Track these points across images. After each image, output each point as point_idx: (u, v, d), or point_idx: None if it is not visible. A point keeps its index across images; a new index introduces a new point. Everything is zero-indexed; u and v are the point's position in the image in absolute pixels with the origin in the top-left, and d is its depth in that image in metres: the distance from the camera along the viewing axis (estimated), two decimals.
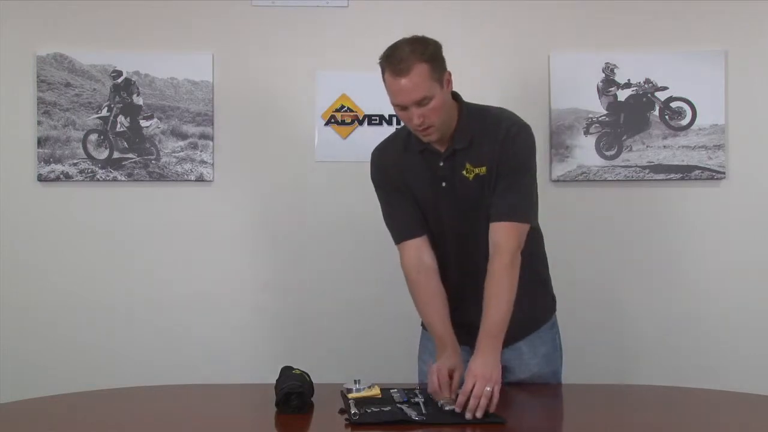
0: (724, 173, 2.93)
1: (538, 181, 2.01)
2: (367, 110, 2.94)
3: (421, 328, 2.17)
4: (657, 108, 2.94)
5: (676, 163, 2.94)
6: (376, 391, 1.88)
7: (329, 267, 2.96)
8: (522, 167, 1.94)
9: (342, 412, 1.79)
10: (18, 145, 2.90)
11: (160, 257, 2.95)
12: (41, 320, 2.92)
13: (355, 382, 1.90)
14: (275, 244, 2.97)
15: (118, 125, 2.92)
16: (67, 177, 2.90)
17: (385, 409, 1.77)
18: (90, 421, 1.82)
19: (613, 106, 2.95)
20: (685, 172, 2.94)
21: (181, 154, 2.92)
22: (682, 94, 2.93)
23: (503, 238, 1.89)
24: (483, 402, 1.73)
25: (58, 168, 2.90)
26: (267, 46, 2.95)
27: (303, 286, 2.96)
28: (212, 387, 2.18)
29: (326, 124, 2.95)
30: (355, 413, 1.73)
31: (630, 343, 2.96)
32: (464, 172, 1.94)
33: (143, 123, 2.92)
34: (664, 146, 2.94)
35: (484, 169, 1.92)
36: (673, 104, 2.94)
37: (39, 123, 2.89)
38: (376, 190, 2.08)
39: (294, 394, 1.80)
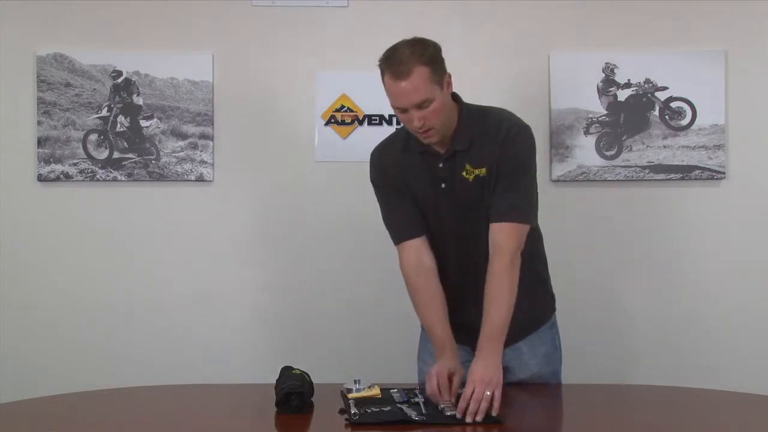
0: (724, 173, 2.93)
1: (538, 181, 2.01)
2: (367, 110, 2.94)
3: (420, 328, 2.16)
4: (657, 108, 2.94)
5: (676, 163, 2.94)
6: (376, 391, 1.88)
7: (329, 267, 2.96)
8: (522, 168, 1.94)
9: (342, 412, 1.79)
10: (18, 145, 2.90)
11: (160, 257, 2.95)
12: (41, 320, 2.92)
13: (355, 382, 1.90)
14: (275, 244, 2.97)
15: (118, 125, 2.92)
16: (67, 177, 2.90)
17: (385, 409, 1.77)
18: (90, 421, 1.82)
19: (613, 106, 2.95)
20: (685, 172, 2.94)
21: (181, 154, 2.92)
22: (682, 94, 2.94)
23: (503, 238, 1.89)
24: (483, 406, 1.73)
25: (58, 168, 2.90)
26: (267, 46, 2.95)
27: (303, 286, 2.96)
28: (212, 387, 2.18)
29: (326, 124, 2.95)
30: (355, 413, 1.73)
31: (630, 343, 2.96)
32: (464, 173, 1.94)
33: (143, 123, 2.92)
34: (664, 146, 2.94)
35: (484, 170, 1.92)
36: (673, 104, 2.94)
37: (39, 123, 2.89)
38: (375, 191, 2.07)
39: (294, 394, 1.80)
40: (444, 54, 1.89)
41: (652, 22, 2.95)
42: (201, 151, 2.93)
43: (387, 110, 2.82)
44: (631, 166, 2.94)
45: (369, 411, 1.75)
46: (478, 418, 1.72)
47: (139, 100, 2.92)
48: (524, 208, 1.95)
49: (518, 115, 1.99)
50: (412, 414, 1.74)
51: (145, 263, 2.94)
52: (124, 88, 2.92)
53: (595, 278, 2.96)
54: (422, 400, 1.84)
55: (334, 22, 2.95)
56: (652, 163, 2.94)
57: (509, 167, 1.92)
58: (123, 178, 2.92)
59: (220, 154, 2.94)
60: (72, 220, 2.93)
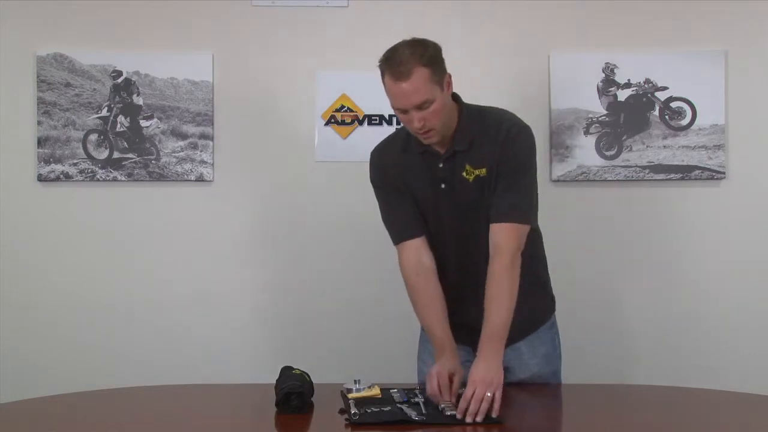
0: (724, 173, 2.93)
1: (538, 181, 2.01)
2: (367, 110, 2.94)
3: (420, 328, 2.16)
4: (657, 108, 2.94)
5: (676, 163, 2.94)
6: (376, 391, 1.88)
7: (329, 267, 2.96)
8: (522, 168, 1.94)
9: (342, 412, 1.79)
10: (18, 145, 2.90)
11: (160, 257, 2.95)
12: (41, 320, 2.92)
13: (355, 382, 1.90)
14: (275, 244, 2.97)
15: (118, 125, 2.92)
16: (67, 177, 2.90)
17: (385, 409, 1.77)
18: (90, 421, 1.82)
19: (613, 106, 2.95)
20: (685, 172, 2.94)
21: (181, 154, 2.92)
22: (682, 94, 2.94)
23: (503, 238, 1.89)
24: (483, 406, 1.73)
25: (58, 168, 2.90)
26: (267, 46, 2.95)
27: (303, 286, 2.96)
28: (212, 387, 2.18)
29: (326, 124, 2.95)
30: (355, 413, 1.73)
31: (630, 343, 2.96)
32: (464, 174, 1.94)
33: (143, 123, 2.92)
34: (664, 146, 2.94)
35: (484, 170, 1.92)
36: (673, 104, 2.94)
37: (39, 123, 2.89)
38: (375, 191, 2.07)
39: (294, 394, 1.80)
40: (444, 54, 1.89)
41: (652, 22, 2.95)
42: (201, 151, 2.93)
43: (387, 110, 2.82)
44: (631, 166, 2.94)
45: (369, 411, 1.75)
46: (478, 419, 1.72)
47: (139, 100, 2.92)
48: (524, 209, 1.95)
49: (518, 115, 1.99)
50: (412, 414, 1.74)
51: (145, 263, 2.94)
52: (124, 88, 2.92)
53: (595, 278, 2.96)
54: (422, 400, 1.84)
55: (334, 22, 2.95)
56: (652, 163, 2.94)
57: (509, 167, 1.92)
58: (123, 178, 2.92)
59: (220, 154, 2.94)
60: (72, 220, 2.93)
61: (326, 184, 2.95)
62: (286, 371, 1.93)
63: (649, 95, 2.94)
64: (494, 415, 1.73)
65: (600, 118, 2.95)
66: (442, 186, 1.96)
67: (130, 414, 1.88)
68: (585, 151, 2.94)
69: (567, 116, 2.94)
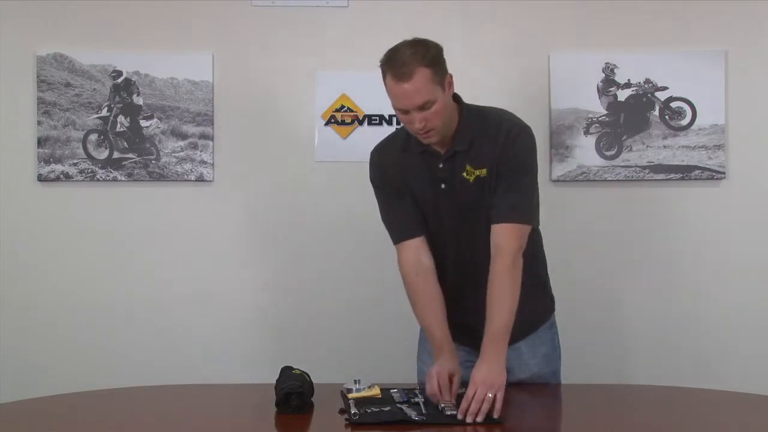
0: (724, 173, 2.93)
1: (538, 181, 2.01)
2: (367, 110, 2.94)
3: (420, 328, 2.16)
4: (657, 108, 2.94)
5: (676, 163, 2.94)
6: (376, 391, 1.88)
7: (329, 267, 2.96)
8: (522, 168, 1.94)
9: (342, 412, 1.79)
10: (18, 145, 2.90)
11: (160, 257, 2.95)
12: (41, 320, 2.92)
13: (355, 382, 1.90)
14: (275, 244, 2.97)
15: (118, 125, 2.92)
16: (67, 177, 2.90)
17: (385, 409, 1.77)
18: (90, 421, 1.82)
19: (613, 106, 2.95)
20: (685, 172, 2.94)
21: (181, 154, 2.92)
22: (682, 94, 2.94)
23: (504, 239, 1.89)
24: (484, 407, 1.73)
25: (58, 168, 2.90)
26: (267, 46, 2.95)
27: (303, 286, 2.96)
28: (212, 387, 2.18)
29: (326, 124, 2.95)
30: (355, 413, 1.73)
31: (630, 343, 2.96)
32: (464, 174, 1.93)
33: (143, 123, 2.92)
34: (664, 146, 2.94)
35: (484, 170, 1.92)
36: (673, 104, 2.94)
37: (39, 123, 2.89)
38: (375, 191, 2.07)
39: (294, 394, 1.80)
40: (444, 54, 1.89)
41: (652, 22, 2.95)
42: (201, 151, 2.93)
43: (387, 110, 2.82)
44: (631, 166, 2.94)
45: (369, 411, 1.75)
46: (479, 419, 1.72)
47: (139, 100, 2.92)
48: (525, 209, 1.94)
49: (518, 115, 1.99)
50: (412, 414, 1.74)
51: (145, 263, 2.94)
52: (124, 88, 2.92)
53: (595, 278, 2.96)
54: (422, 400, 1.84)
55: (334, 22, 2.95)
56: (652, 163, 2.94)
57: (509, 168, 1.92)
58: (123, 178, 2.92)
59: (220, 154, 2.94)
60: (72, 220, 2.93)
61: (326, 184, 2.95)
62: (286, 371, 1.93)
63: (649, 95, 2.94)
64: (495, 415, 1.73)
65: (600, 118, 2.95)
66: (442, 186, 1.96)
67: (130, 414, 1.88)
68: (585, 151, 2.94)
69: (567, 116, 2.94)
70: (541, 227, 2.08)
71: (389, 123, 2.91)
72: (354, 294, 2.94)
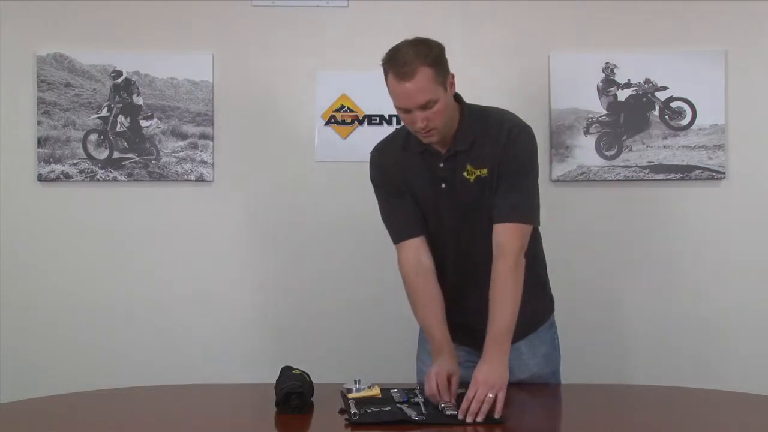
0: (724, 173, 2.93)
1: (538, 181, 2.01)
2: (367, 110, 2.94)
3: (419, 328, 2.16)
4: (657, 108, 2.94)
5: (676, 163, 2.94)
6: (376, 391, 1.88)
7: (329, 267, 2.96)
8: (523, 168, 1.94)
9: (342, 412, 1.79)
10: (18, 145, 2.90)
11: (160, 257, 2.95)
12: (41, 320, 2.92)
13: (355, 382, 1.90)
14: (275, 244, 2.97)
15: (118, 125, 2.92)
16: (67, 177, 2.90)
17: (385, 409, 1.77)
18: (90, 421, 1.82)
19: (613, 106, 2.95)
20: (685, 172, 2.94)
21: (181, 154, 2.92)
22: (682, 94, 2.94)
23: (506, 239, 1.89)
24: (485, 407, 1.73)
25: (58, 168, 2.90)
26: (267, 46, 2.95)
27: (303, 286, 2.96)
28: (212, 387, 2.18)
29: (326, 124, 2.95)
30: (355, 413, 1.73)
31: (630, 343, 2.96)
32: (465, 174, 1.93)
33: (143, 123, 2.92)
34: (664, 146, 2.94)
35: (485, 170, 1.92)
36: (673, 104, 2.94)
37: (39, 123, 2.89)
38: (375, 190, 2.07)
39: (294, 394, 1.80)
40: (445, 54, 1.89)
41: (652, 22, 2.95)
42: (201, 151, 2.93)
43: (387, 110, 2.82)
44: (631, 166, 2.94)
45: (369, 411, 1.75)
46: (479, 419, 1.72)
47: (139, 100, 2.92)
48: (526, 209, 1.94)
49: (518, 115, 1.99)
50: (412, 414, 1.74)
51: (145, 263, 2.94)
52: (124, 88, 2.92)
53: (595, 278, 2.96)
54: (422, 400, 1.84)
55: (334, 22, 2.95)
56: (652, 163, 2.94)
57: (510, 168, 1.92)
58: (123, 178, 2.92)
59: (220, 154, 2.94)
60: (72, 220, 2.93)
61: (326, 184, 2.95)
62: (286, 371, 1.93)
63: (649, 95, 2.94)
64: (496, 416, 1.73)
65: (600, 118, 2.95)
66: (443, 186, 1.96)
67: (130, 414, 1.88)
68: (585, 151, 2.94)
69: (567, 116, 2.94)
70: (541, 227, 2.08)
71: (389, 123, 2.91)
72: (354, 294, 2.94)
